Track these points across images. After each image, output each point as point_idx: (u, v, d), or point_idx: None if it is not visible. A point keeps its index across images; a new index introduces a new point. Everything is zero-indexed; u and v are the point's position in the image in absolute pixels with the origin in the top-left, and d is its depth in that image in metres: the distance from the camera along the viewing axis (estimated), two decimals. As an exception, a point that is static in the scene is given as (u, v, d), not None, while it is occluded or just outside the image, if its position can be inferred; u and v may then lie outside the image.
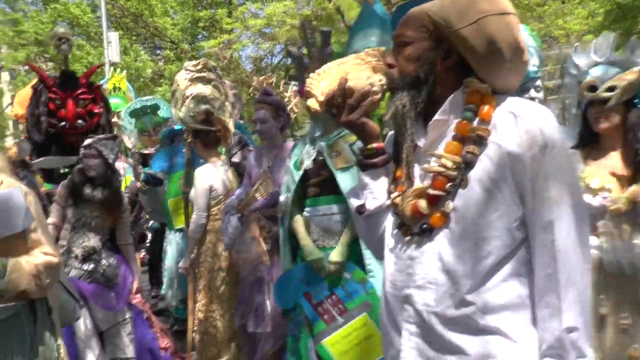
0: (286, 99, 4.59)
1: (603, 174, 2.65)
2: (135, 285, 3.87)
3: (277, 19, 14.28)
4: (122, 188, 4.62)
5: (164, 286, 5.72)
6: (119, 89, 7.42)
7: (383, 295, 1.55)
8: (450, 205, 1.39)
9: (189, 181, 4.35)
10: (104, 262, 3.68)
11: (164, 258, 5.69)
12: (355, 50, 3.81)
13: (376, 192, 1.57)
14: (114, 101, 6.74)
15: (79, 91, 4.27)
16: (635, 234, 2.56)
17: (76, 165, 3.86)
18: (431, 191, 1.40)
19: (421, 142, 1.47)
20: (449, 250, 1.38)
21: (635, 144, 2.62)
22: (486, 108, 1.40)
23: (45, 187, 5.42)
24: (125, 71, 8.40)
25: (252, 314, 3.81)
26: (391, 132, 1.60)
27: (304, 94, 3.22)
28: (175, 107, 4.17)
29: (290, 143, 3.79)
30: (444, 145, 1.43)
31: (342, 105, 1.50)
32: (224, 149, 5.21)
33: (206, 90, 4.14)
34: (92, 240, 3.68)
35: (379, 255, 1.61)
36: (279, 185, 3.52)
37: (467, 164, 1.38)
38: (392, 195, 1.50)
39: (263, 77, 5.05)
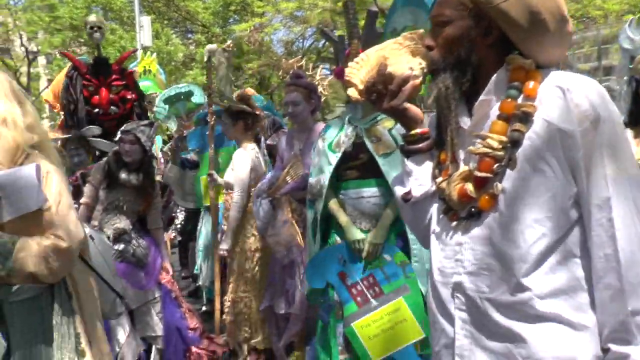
0: (316, 82, 4.58)
1: None
2: (166, 267, 3.92)
3: (309, 2, 14.20)
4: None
5: (196, 266, 5.80)
6: (149, 71, 7.48)
7: (431, 283, 1.50)
8: (498, 186, 1.33)
9: (215, 163, 4.38)
10: (134, 242, 3.72)
11: (198, 238, 5.76)
12: (394, 28, 3.79)
13: (421, 179, 1.53)
14: (144, 84, 6.82)
15: (112, 78, 4.31)
16: None
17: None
18: (478, 173, 1.35)
19: (465, 124, 1.42)
20: (500, 233, 1.33)
21: None
22: (531, 84, 1.34)
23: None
24: (155, 54, 8.46)
25: (284, 296, 3.83)
26: (433, 115, 1.55)
27: (341, 75, 3.22)
28: (221, 86, 4.21)
29: (321, 125, 3.76)
30: (489, 126, 1.37)
31: (382, 92, 1.46)
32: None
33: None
34: (123, 222, 3.73)
35: (426, 244, 1.57)
36: (310, 167, 3.50)
37: (514, 143, 1.32)
38: (438, 180, 1.46)
39: (293, 60, 5.04)
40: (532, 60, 1.36)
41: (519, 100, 1.34)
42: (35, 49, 19.83)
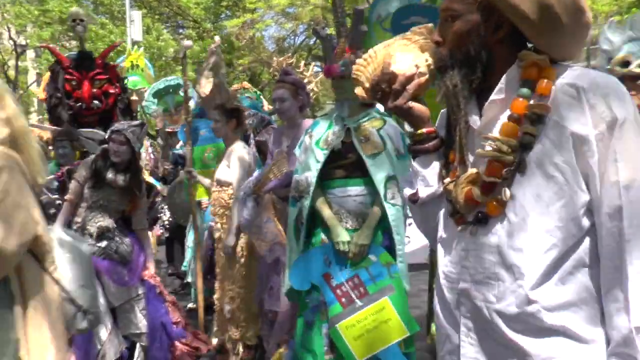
0: (306, 79, 4.55)
1: None
2: (148, 263, 3.89)
3: (301, -1, 14.18)
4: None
5: (185, 262, 5.76)
6: (137, 66, 7.42)
7: (437, 287, 1.46)
8: (507, 192, 1.26)
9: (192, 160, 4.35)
10: (117, 239, 3.69)
11: (187, 233, 5.72)
12: (379, 15, 3.78)
13: (429, 179, 1.46)
14: (132, 79, 6.78)
15: (95, 72, 4.26)
16: None
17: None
18: (486, 178, 1.28)
19: (475, 123, 1.34)
20: (508, 242, 1.26)
21: None
22: (544, 82, 1.26)
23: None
24: (142, 48, 8.41)
25: (267, 293, 3.81)
26: (443, 112, 1.49)
27: (330, 74, 3.20)
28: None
29: (309, 122, 3.73)
30: (499, 126, 1.29)
31: (387, 91, 1.40)
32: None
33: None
34: (107, 220, 3.69)
35: (436, 244, 1.50)
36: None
37: (525, 147, 1.25)
38: (445, 181, 1.40)
39: (282, 57, 5.02)
40: (546, 55, 1.28)
41: (532, 100, 1.26)
42: (23, 42, 19.65)
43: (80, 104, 4.18)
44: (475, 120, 1.34)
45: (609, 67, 2.78)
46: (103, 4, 18.14)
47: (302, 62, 5.48)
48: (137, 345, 3.76)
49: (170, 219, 6.50)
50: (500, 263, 1.28)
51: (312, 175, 3.11)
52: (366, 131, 3.04)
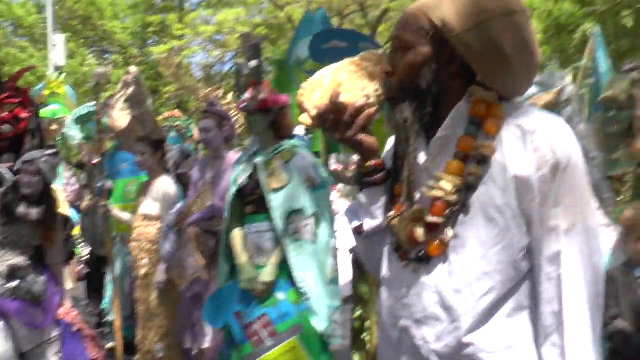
0: (232, 111, 4.53)
1: None
2: (65, 303, 3.69)
3: (229, 27, 14.20)
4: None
5: (106, 300, 5.51)
6: (57, 94, 7.13)
7: (380, 322, 1.44)
8: (449, 233, 1.26)
9: (110, 192, 4.26)
10: (30, 279, 3.48)
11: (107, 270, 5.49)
12: (298, 58, 3.81)
13: (375, 212, 1.43)
14: (52, 107, 6.50)
15: (5, 95, 4.04)
16: None
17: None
18: (429, 218, 1.27)
19: (422, 158, 1.32)
20: (448, 283, 1.26)
21: None
22: (491, 121, 1.25)
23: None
24: (64, 74, 8.11)
25: (190, 331, 3.71)
26: (391, 142, 1.46)
27: (243, 109, 3.19)
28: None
29: (234, 154, 3.72)
30: (445, 164, 1.28)
31: (335, 122, 1.35)
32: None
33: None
34: (18, 258, 3.47)
35: (379, 278, 1.47)
36: (221, 197, 3.45)
37: (470, 187, 1.24)
38: (390, 215, 1.37)
39: (210, 89, 4.98)
40: (495, 92, 1.27)
41: (479, 138, 1.25)
42: None
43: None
44: (422, 156, 1.32)
45: None
46: (23, 26, 17.52)
47: (230, 93, 5.47)
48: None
49: (89, 254, 6.25)
50: (440, 303, 1.27)
51: (226, 211, 3.14)
52: (273, 165, 3.04)
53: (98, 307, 6.03)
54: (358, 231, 1.47)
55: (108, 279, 5.43)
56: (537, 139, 1.21)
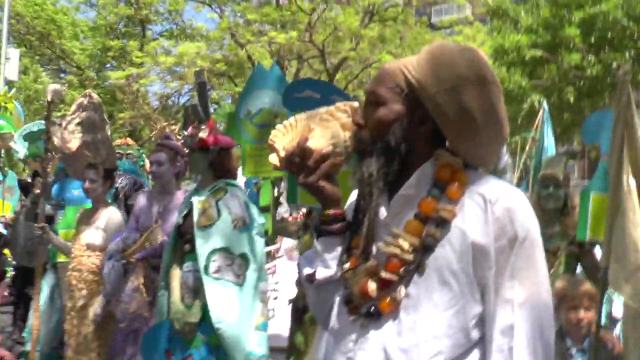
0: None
1: None
2: None
3: (188, 59, 14.19)
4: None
5: (27, 329, 5.28)
6: (6, 109, 6.94)
7: None
8: (402, 292, 1.25)
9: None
10: None
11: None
12: (248, 111, 3.85)
13: (328, 261, 1.40)
14: (-1, 122, 6.32)
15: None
16: None
17: None
18: (383, 274, 1.26)
19: (383, 214, 1.32)
20: (396, 342, 1.24)
21: None
22: (455, 186, 1.27)
23: None
24: (14, 90, 7.92)
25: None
26: (354, 194, 1.46)
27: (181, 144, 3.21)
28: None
29: (181, 193, 3.69)
30: (404, 223, 1.29)
31: (300, 166, 1.34)
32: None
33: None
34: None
35: (327, 327, 1.45)
36: (169, 234, 3.41)
37: (426, 249, 1.25)
38: (344, 267, 1.36)
39: (166, 122, 4.96)
40: (460, 159, 1.29)
41: (441, 202, 1.26)
42: None
43: None
44: (383, 211, 1.32)
45: None
46: (-24, 37, 17.08)
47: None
48: None
49: (15, 279, 6.00)
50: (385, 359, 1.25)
51: (165, 249, 3.13)
52: (207, 203, 3.04)
53: (22, 337, 5.78)
54: (310, 279, 1.44)
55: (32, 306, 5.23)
56: (497, 209, 1.23)
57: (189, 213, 3.07)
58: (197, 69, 3.35)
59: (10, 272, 5.90)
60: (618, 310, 3.76)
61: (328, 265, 1.40)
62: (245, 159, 3.89)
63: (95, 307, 3.78)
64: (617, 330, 3.72)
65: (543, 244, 1.30)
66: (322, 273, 1.41)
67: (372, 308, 1.28)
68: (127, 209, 4.80)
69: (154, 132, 4.54)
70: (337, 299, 1.41)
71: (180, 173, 3.82)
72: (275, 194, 4.44)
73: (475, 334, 1.24)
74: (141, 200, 3.89)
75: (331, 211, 1.39)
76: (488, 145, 1.32)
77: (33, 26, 17.29)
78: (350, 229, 1.40)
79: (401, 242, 1.26)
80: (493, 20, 12.21)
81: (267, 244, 5.59)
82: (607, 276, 2.65)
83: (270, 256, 5.33)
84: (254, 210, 3.16)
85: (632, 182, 2.62)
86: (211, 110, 3.82)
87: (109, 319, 3.78)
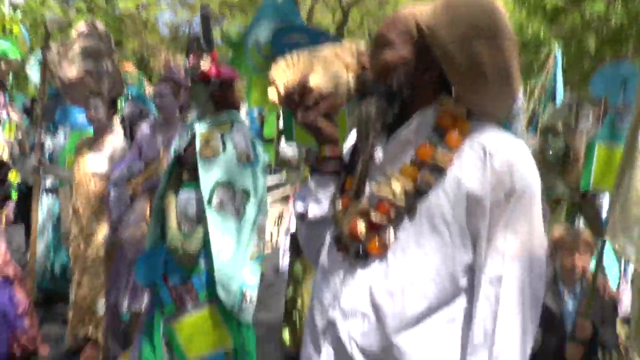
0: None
1: None
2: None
3: (199, -11, 13.91)
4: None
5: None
6: (11, 32, 6.84)
7: (309, 306, 1.44)
8: (391, 235, 1.26)
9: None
10: None
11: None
12: (256, 40, 3.79)
13: (322, 200, 1.41)
14: (3, 45, 6.25)
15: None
16: None
17: None
18: (373, 216, 1.27)
19: (379, 157, 1.32)
20: (382, 284, 1.26)
21: None
22: (455, 134, 1.25)
23: None
24: (18, 11, 7.78)
25: (129, 293, 3.68)
26: (352, 136, 1.45)
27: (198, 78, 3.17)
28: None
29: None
30: (400, 167, 1.28)
31: (299, 104, 1.34)
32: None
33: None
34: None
35: (316, 263, 1.47)
36: (170, 165, 3.44)
37: (419, 194, 1.24)
38: (336, 206, 1.36)
39: (172, 55, 4.90)
40: (464, 108, 1.27)
41: (438, 149, 1.25)
42: None
43: None
44: (379, 154, 1.32)
45: None
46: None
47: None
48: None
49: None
50: (369, 302, 1.27)
51: (163, 176, 3.15)
52: (211, 135, 3.03)
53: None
54: (302, 216, 1.46)
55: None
56: (497, 162, 1.21)
57: (191, 143, 3.06)
58: (205, 3, 3.26)
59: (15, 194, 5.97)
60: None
61: (321, 203, 1.41)
62: (251, 88, 3.87)
63: (103, 233, 3.87)
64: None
65: (545, 193, 1.28)
66: (314, 211, 1.43)
67: (361, 249, 1.29)
68: (132, 137, 4.81)
69: (162, 64, 4.47)
70: (328, 237, 1.41)
71: (183, 106, 3.82)
72: (280, 126, 4.44)
73: (462, 282, 1.26)
74: (145, 129, 3.90)
75: (327, 152, 1.39)
76: (495, 99, 1.29)
77: (41, -52, 16.92)
78: (345, 170, 1.40)
79: (394, 185, 1.26)
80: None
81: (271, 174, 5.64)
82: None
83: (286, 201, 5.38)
84: (259, 146, 3.16)
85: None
86: (219, 43, 3.76)
87: (115, 245, 3.87)
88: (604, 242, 2.75)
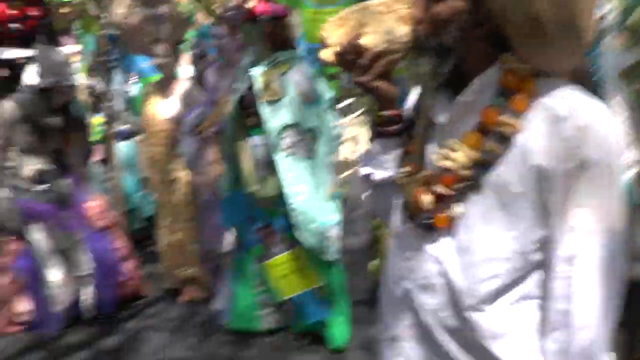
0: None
1: None
2: (96, 202, 3.87)
3: None
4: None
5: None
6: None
7: (385, 273, 1.38)
8: (456, 209, 1.18)
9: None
10: (56, 182, 3.65)
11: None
12: None
13: (386, 163, 1.34)
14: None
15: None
16: None
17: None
18: (438, 187, 1.19)
19: (441, 119, 1.22)
20: (450, 259, 1.20)
21: None
22: (521, 97, 1.13)
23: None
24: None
25: (210, 233, 3.87)
26: (415, 93, 1.37)
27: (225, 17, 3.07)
28: None
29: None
30: (463, 133, 1.18)
31: (353, 64, 1.25)
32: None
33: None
34: (44, 163, 3.62)
35: (388, 226, 1.41)
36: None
37: (485, 165, 1.15)
38: (400, 171, 1.29)
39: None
40: (529, 65, 1.14)
41: (505, 113, 1.14)
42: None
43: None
44: (441, 117, 1.22)
45: None
46: None
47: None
48: (87, 286, 3.80)
49: None
50: (442, 275, 1.22)
51: (228, 121, 3.15)
52: (271, 76, 2.97)
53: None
54: (367, 179, 1.40)
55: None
56: (568, 128, 1.08)
57: (251, 87, 3.05)
58: None
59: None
60: None
61: (385, 167, 1.35)
62: (306, 24, 3.76)
63: (185, 178, 4.00)
64: None
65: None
66: (379, 174, 1.36)
67: (428, 221, 1.22)
68: (200, 79, 4.86)
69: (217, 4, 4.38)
70: (397, 201, 1.36)
71: (242, 46, 3.78)
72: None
73: (536, 257, 1.17)
74: (210, 73, 3.93)
75: (387, 112, 1.31)
76: (561, 57, 1.14)
77: None
78: (408, 130, 1.32)
79: (458, 155, 1.17)
80: None
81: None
82: None
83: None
84: (321, 82, 3.11)
85: None
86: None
87: (195, 188, 4.03)
88: None
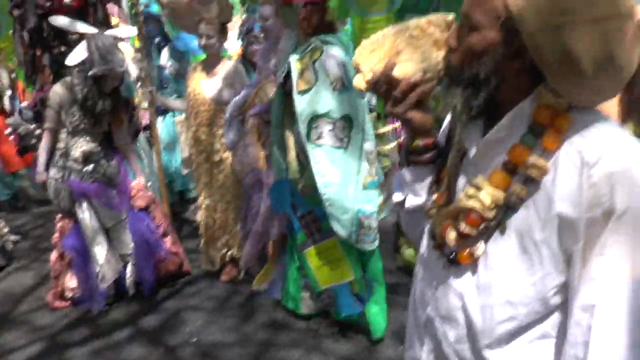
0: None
1: None
2: (137, 182, 3.93)
3: None
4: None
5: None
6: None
7: (412, 295, 1.42)
8: (480, 248, 1.17)
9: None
10: (103, 162, 3.73)
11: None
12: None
13: (418, 190, 1.35)
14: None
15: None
16: None
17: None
18: (463, 226, 1.18)
19: (471, 151, 1.20)
20: (473, 296, 1.20)
21: None
22: (552, 134, 1.08)
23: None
24: None
25: (250, 212, 3.86)
26: (447, 120, 1.35)
27: None
28: None
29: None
30: (491, 171, 1.16)
31: (387, 93, 1.24)
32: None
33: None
34: (91, 144, 3.70)
35: (419, 245, 1.43)
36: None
37: (509, 207, 1.13)
38: (430, 201, 1.30)
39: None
40: (565, 100, 1.09)
41: (534, 151, 1.10)
42: None
43: (50, 2, 3.85)
44: (471, 149, 1.20)
45: None
46: None
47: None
48: (129, 264, 3.91)
49: None
50: (462, 310, 1.22)
51: (273, 109, 3.12)
52: (304, 63, 2.88)
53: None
54: (400, 205, 1.42)
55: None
56: (596, 173, 1.03)
57: (289, 73, 2.98)
58: None
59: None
60: None
61: (418, 194, 1.36)
62: (355, 33, 3.59)
63: (230, 159, 4.02)
64: None
65: None
66: (411, 201, 1.37)
67: (453, 255, 1.23)
68: (244, 57, 4.84)
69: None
70: (426, 227, 1.36)
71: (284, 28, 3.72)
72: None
73: (554, 301, 1.14)
74: (260, 54, 3.90)
75: (420, 142, 1.30)
76: (599, 90, 1.08)
77: None
78: (440, 157, 1.31)
79: (483, 196, 1.15)
80: None
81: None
82: None
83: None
84: (352, 68, 3.01)
85: None
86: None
87: (236, 170, 4.03)
88: None
